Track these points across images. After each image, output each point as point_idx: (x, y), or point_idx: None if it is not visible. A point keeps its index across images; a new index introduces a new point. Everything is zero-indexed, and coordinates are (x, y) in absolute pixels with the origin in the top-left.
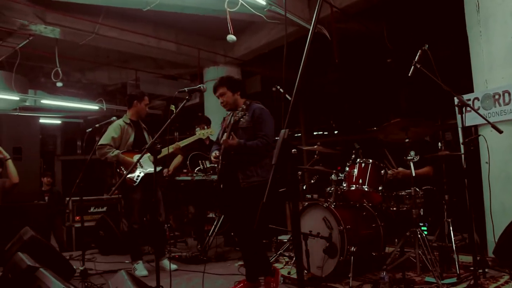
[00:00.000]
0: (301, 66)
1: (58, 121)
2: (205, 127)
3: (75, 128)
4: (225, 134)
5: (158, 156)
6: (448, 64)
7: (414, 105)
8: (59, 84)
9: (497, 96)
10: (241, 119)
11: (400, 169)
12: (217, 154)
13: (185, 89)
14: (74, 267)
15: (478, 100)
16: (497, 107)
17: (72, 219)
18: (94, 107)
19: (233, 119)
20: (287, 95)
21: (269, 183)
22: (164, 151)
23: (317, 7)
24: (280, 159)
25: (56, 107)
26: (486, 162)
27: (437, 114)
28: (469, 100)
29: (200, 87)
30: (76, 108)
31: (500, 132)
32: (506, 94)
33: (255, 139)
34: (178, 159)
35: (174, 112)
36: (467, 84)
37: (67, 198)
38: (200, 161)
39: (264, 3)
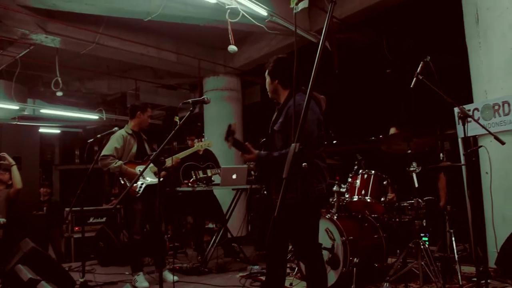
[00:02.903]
0: (310, 81)
1: (57, 131)
2: (195, 139)
3: (73, 137)
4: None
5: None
6: (446, 74)
7: (413, 115)
8: (59, 93)
9: (496, 107)
10: (278, 120)
11: None
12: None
13: (190, 100)
14: (74, 279)
15: (478, 110)
16: (496, 118)
17: (71, 229)
18: (93, 116)
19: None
20: None
21: (281, 196)
22: (168, 162)
23: (325, 22)
24: (291, 173)
25: (55, 117)
26: (487, 173)
27: (436, 124)
28: (469, 110)
29: (204, 98)
30: (76, 117)
31: (503, 143)
32: (506, 105)
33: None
34: None
35: (178, 123)
36: (466, 95)
37: (66, 209)
38: (192, 172)
39: (265, 14)
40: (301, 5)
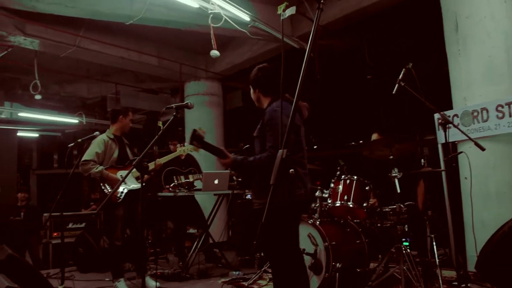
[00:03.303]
0: (297, 87)
1: (35, 134)
2: (178, 143)
3: (52, 141)
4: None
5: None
6: (426, 81)
7: (393, 121)
8: (38, 96)
9: (475, 113)
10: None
11: None
12: None
13: (173, 105)
14: (53, 286)
15: (458, 117)
16: (475, 124)
17: (50, 235)
18: (73, 120)
19: None
20: None
21: (268, 204)
22: (150, 167)
23: (312, 31)
24: (278, 180)
25: (33, 120)
26: (466, 178)
27: (416, 129)
28: (448, 117)
29: (187, 103)
30: (55, 121)
31: (483, 149)
32: (484, 111)
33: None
34: None
35: (162, 128)
36: (446, 101)
37: (44, 214)
38: (174, 177)
39: (248, 19)
40: (288, 12)
